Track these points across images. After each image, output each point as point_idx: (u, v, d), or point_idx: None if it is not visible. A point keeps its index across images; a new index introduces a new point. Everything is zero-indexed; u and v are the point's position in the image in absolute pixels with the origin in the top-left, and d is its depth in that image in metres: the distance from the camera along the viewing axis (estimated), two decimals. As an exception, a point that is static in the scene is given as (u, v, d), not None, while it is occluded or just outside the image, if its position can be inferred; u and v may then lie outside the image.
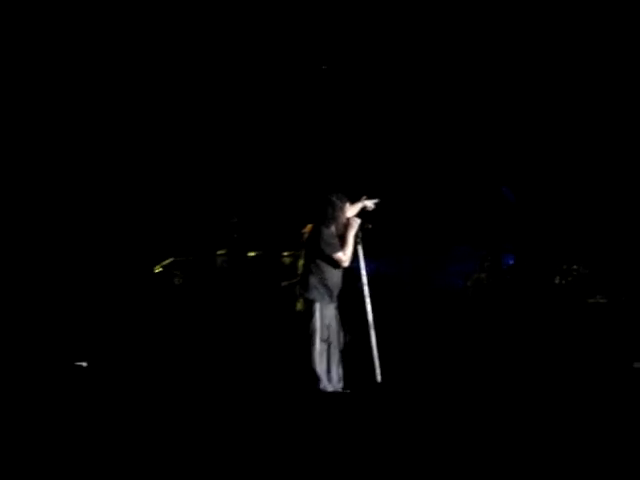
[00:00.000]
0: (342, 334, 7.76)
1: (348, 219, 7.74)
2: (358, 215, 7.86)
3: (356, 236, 7.74)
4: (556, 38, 12.15)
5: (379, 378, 7.75)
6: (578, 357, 9.15)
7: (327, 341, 7.62)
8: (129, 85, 12.59)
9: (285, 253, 11.28)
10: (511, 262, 11.82)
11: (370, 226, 7.82)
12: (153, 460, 5.59)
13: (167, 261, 10.88)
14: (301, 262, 7.85)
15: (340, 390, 7.62)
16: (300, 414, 6.91)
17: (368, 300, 7.88)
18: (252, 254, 11.08)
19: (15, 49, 11.78)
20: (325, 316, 7.61)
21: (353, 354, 7.90)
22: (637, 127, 12.27)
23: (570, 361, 9.03)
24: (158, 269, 10.79)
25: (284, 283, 9.06)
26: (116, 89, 12.51)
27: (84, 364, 9.03)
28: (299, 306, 7.72)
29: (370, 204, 8.03)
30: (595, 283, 10.94)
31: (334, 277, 7.66)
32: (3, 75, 11.74)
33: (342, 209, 7.75)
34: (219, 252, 11.01)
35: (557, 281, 11.11)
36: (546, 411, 6.84)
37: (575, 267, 11.14)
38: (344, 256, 7.62)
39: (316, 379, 7.48)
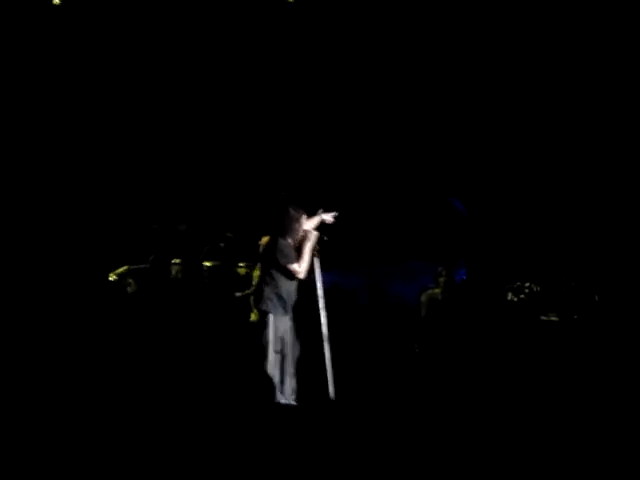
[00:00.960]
0: (297, 347, 7.75)
1: (305, 231, 7.74)
2: (316, 228, 7.85)
3: (313, 248, 7.74)
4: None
5: (332, 394, 7.74)
6: (530, 374, 9.21)
7: (281, 353, 7.60)
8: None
9: (241, 264, 11.25)
10: (464, 277, 11.89)
11: (326, 238, 7.82)
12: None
13: (122, 269, 10.77)
14: (256, 273, 7.84)
15: (293, 403, 7.61)
16: (251, 426, 6.89)
17: (323, 313, 7.88)
18: (208, 264, 11.02)
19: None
20: (279, 328, 7.58)
21: (307, 367, 7.89)
22: (587, 143, 12.47)
23: (522, 378, 9.08)
24: (112, 277, 10.69)
25: (238, 294, 9.02)
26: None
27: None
28: (253, 317, 7.70)
29: (328, 217, 8.03)
30: (547, 301, 11.03)
31: (289, 289, 7.64)
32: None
33: (298, 220, 7.74)
34: (174, 261, 10.93)
35: (510, 298, 11.19)
36: (497, 427, 6.90)
37: (528, 284, 11.22)
38: (299, 268, 7.60)
39: (269, 391, 7.46)
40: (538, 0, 12.01)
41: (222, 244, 11.42)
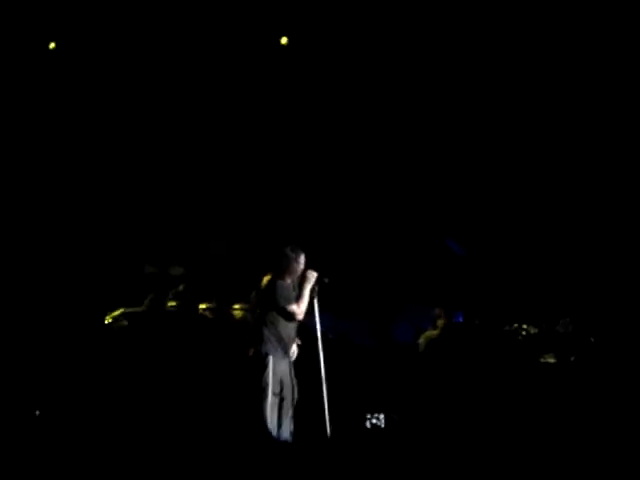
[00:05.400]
0: (295, 389, 7.70)
1: (304, 272, 7.71)
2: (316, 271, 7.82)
3: (312, 290, 7.71)
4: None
5: (329, 432, 7.69)
6: (527, 416, 9.17)
7: (279, 395, 7.55)
8: None
9: (236, 306, 11.19)
10: (460, 319, 11.87)
11: (327, 280, 7.79)
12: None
13: (117, 312, 10.71)
14: (254, 315, 7.80)
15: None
16: (249, 466, 6.81)
17: (322, 355, 7.83)
18: (203, 306, 10.97)
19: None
20: (278, 370, 7.54)
21: (305, 409, 7.84)
22: (577, 183, 12.53)
23: (519, 420, 9.04)
24: (108, 320, 10.62)
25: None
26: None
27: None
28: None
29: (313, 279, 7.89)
30: (544, 343, 11.02)
31: (288, 330, 7.61)
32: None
33: (297, 261, 7.73)
34: (170, 303, 10.87)
35: (507, 340, 11.17)
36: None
37: (525, 326, 11.21)
38: (298, 309, 7.58)
39: (267, 433, 7.40)
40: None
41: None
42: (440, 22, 12.19)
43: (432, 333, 10.59)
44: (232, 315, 11.06)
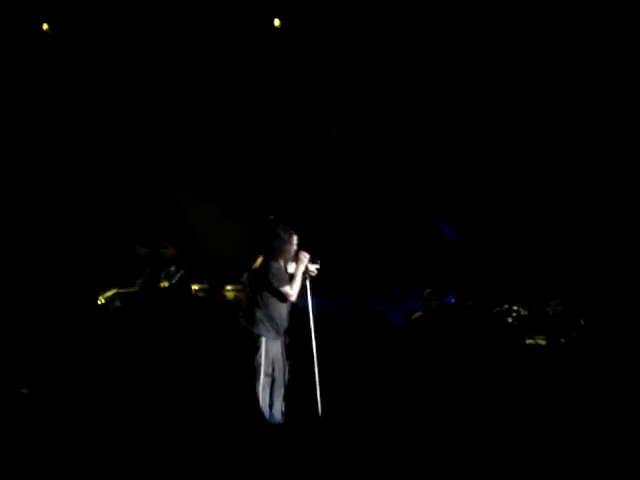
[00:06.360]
0: (287, 370, 7.74)
1: (297, 253, 7.73)
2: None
3: (305, 271, 7.74)
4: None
5: (320, 412, 7.73)
6: (517, 398, 9.21)
7: (271, 376, 7.60)
8: None
9: (228, 287, 11.23)
10: (452, 301, 11.90)
11: (319, 262, 7.81)
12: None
13: (110, 292, 10.73)
14: (246, 296, 7.83)
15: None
16: (241, 446, 6.87)
17: (314, 335, 7.86)
18: (196, 287, 11.01)
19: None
20: (270, 351, 7.58)
21: (297, 389, 7.89)
22: (573, 169, 12.57)
23: (508, 401, 9.09)
24: (101, 300, 10.64)
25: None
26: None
27: (25, 391, 8.85)
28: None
29: (312, 268, 7.91)
30: (535, 324, 11.05)
31: (281, 311, 7.64)
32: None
33: (289, 242, 7.74)
34: (162, 284, 10.91)
35: (497, 321, 11.21)
36: (480, 453, 6.90)
37: (515, 308, 11.25)
38: (291, 290, 7.60)
39: (259, 413, 7.45)
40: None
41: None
42: (435, 15, 12.19)
43: (423, 314, 10.63)
44: (224, 296, 11.10)
